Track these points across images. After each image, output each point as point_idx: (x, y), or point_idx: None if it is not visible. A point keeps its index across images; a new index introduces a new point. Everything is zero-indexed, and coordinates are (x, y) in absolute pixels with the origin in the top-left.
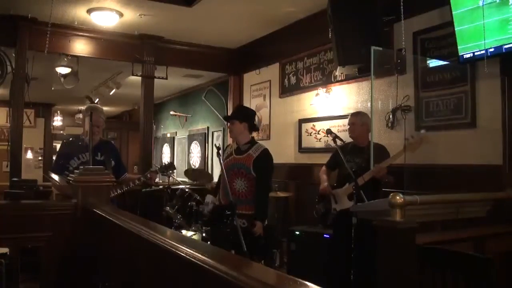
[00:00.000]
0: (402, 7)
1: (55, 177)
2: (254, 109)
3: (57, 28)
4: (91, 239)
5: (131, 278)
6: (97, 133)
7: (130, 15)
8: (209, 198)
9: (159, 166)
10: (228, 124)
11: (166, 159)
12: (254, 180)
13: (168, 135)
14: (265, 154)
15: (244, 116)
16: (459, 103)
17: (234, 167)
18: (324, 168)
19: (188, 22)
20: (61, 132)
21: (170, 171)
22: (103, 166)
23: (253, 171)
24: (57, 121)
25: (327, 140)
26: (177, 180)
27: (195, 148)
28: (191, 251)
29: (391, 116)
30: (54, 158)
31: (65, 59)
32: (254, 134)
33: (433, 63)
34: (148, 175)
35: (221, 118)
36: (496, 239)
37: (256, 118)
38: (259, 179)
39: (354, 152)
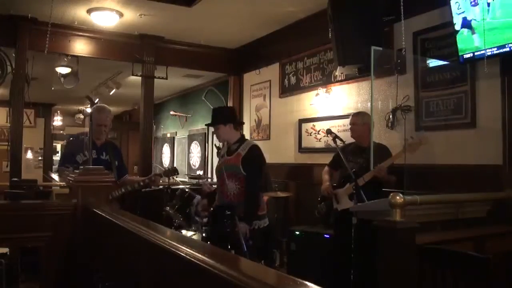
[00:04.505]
0: (402, 7)
1: (55, 176)
2: (254, 109)
3: (57, 28)
4: (91, 239)
5: (131, 278)
6: (104, 132)
7: (130, 15)
8: (196, 199)
9: (163, 170)
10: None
11: (166, 159)
12: (245, 180)
13: (168, 135)
14: (253, 152)
15: (227, 118)
16: (459, 103)
17: (225, 169)
18: (326, 168)
19: (188, 22)
20: (61, 132)
21: (173, 176)
22: (107, 166)
23: (243, 170)
24: (57, 121)
25: (327, 140)
26: (177, 180)
27: (195, 148)
28: (191, 251)
29: (391, 116)
30: (54, 157)
31: (65, 59)
32: (254, 135)
33: (433, 63)
34: (153, 178)
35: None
36: (496, 239)
37: (259, 115)
38: (248, 178)
39: (355, 152)
